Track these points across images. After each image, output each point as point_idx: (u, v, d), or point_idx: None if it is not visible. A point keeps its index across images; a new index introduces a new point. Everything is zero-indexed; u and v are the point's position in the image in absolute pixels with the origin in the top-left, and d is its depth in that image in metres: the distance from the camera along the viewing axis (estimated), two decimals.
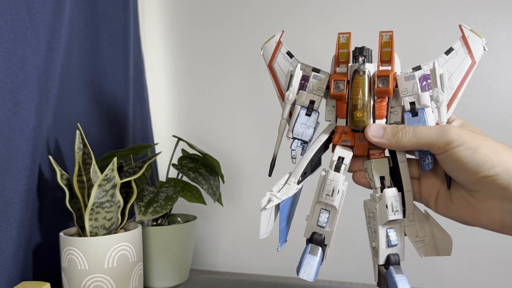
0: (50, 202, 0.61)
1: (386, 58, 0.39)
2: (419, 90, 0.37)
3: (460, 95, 0.39)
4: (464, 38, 0.39)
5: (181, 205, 0.86)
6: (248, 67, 0.86)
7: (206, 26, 0.89)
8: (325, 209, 0.38)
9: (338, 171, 0.38)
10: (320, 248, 0.38)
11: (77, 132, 0.59)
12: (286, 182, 0.39)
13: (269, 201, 0.36)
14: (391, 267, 0.37)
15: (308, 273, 0.37)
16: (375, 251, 0.39)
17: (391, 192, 0.38)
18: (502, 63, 0.71)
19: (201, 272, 0.84)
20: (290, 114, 0.42)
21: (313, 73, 0.42)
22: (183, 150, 0.77)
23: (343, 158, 0.39)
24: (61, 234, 0.58)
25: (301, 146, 0.41)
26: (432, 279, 0.74)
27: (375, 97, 0.39)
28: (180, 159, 0.75)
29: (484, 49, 0.39)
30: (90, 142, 0.61)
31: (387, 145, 0.37)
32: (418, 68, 0.39)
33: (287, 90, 0.42)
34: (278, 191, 0.38)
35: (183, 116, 0.92)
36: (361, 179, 0.41)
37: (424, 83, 0.39)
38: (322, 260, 0.39)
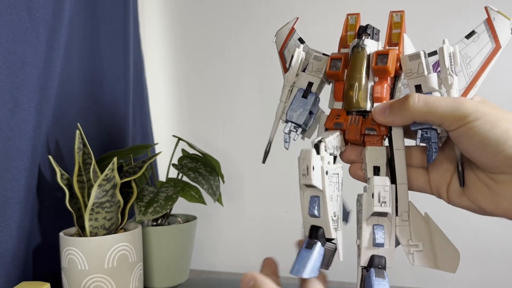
0: (50, 202, 0.61)
1: (395, 40, 0.36)
2: (425, 71, 0.33)
3: (480, 83, 0.34)
4: (489, 21, 0.34)
5: (181, 205, 0.86)
6: (248, 66, 0.86)
7: (206, 26, 0.89)
8: (314, 196, 0.33)
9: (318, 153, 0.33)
10: (318, 242, 0.33)
11: (77, 132, 0.59)
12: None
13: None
14: (371, 269, 0.32)
15: (298, 269, 0.32)
16: (359, 250, 0.34)
17: (380, 180, 0.33)
18: (502, 64, 0.71)
19: (201, 272, 0.83)
20: None
21: (315, 53, 0.39)
22: (183, 150, 0.77)
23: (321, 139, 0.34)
24: (61, 234, 0.58)
25: (295, 130, 0.38)
26: (430, 278, 0.74)
27: (375, 78, 0.35)
28: (180, 159, 0.75)
29: None
30: (90, 142, 0.61)
31: (397, 121, 0.33)
32: (433, 53, 0.35)
33: (287, 72, 0.39)
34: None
35: (183, 116, 0.92)
36: (357, 171, 0.36)
37: (439, 69, 0.34)
38: (329, 256, 0.34)
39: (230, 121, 0.88)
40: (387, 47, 0.36)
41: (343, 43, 0.38)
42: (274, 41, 0.43)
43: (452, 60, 0.33)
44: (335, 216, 0.34)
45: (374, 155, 0.35)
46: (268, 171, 0.84)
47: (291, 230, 0.84)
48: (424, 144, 0.34)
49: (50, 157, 0.57)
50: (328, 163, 0.34)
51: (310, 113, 0.38)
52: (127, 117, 0.80)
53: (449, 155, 0.35)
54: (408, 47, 0.36)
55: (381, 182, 0.33)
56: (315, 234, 0.34)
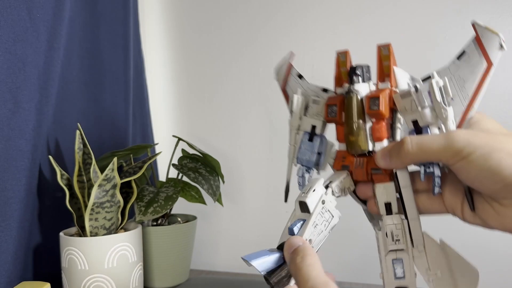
0: (50, 202, 0.61)
1: (387, 71, 0.36)
2: (418, 107, 0.34)
3: (477, 105, 0.34)
4: (477, 39, 0.34)
5: (181, 205, 0.86)
6: (248, 66, 0.86)
7: (206, 26, 0.89)
8: (301, 219, 0.35)
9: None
10: (281, 251, 0.34)
11: (77, 132, 0.59)
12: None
13: None
14: None
15: (249, 256, 0.33)
16: (383, 282, 0.37)
17: (391, 219, 0.35)
18: (502, 63, 0.71)
19: (201, 272, 0.84)
20: None
21: (313, 97, 0.40)
22: (183, 150, 0.77)
23: (330, 182, 0.37)
24: (61, 234, 0.58)
25: (307, 172, 0.40)
26: None
27: (372, 119, 0.36)
28: (180, 159, 0.75)
29: (502, 47, 0.33)
30: (90, 142, 0.61)
31: (399, 166, 0.34)
32: (428, 78, 0.35)
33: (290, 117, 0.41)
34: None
35: (183, 116, 0.92)
36: (373, 207, 0.37)
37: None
38: (284, 275, 0.33)
39: (230, 121, 0.88)
40: (379, 84, 0.37)
41: (338, 81, 0.39)
42: (276, 78, 0.44)
43: (444, 92, 0.33)
44: (309, 243, 0.34)
45: (383, 192, 0.36)
46: (268, 171, 0.84)
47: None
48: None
49: (50, 157, 0.57)
50: (330, 202, 0.35)
51: (319, 153, 0.40)
52: (127, 117, 0.80)
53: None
54: (401, 77, 0.36)
55: (392, 221, 0.35)
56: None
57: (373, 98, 0.35)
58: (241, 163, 0.87)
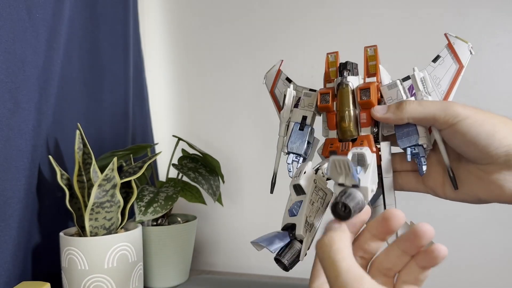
0: (50, 202, 0.61)
1: (372, 71, 0.41)
2: (403, 96, 0.38)
3: (451, 99, 0.39)
4: (450, 45, 0.40)
5: (181, 205, 0.86)
6: (248, 66, 0.86)
7: (206, 26, 0.89)
8: (298, 201, 0.38)
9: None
10: (287, 231, 0.37)
11: (77, 132, 0.59)
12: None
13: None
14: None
15: (266, 240, 0.36)
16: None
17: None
18: (502, 63, 0.71)
19: (201, 272, 0.83)
20: None
21: (304, 91, 0.44)
22: (183, 150, 0.77)
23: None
24: (61, 234, 0.58)
25: (297, 160, 0.42)
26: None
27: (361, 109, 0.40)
28: (180, 159, 0.75)
29: (471, 53, 0.39)
30: (90, 142, 0.61)
31: (393, 119, 0.37)
32: (407, 78, 0.40)
33: (281, 109, 0.44)
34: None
35: (183, 116, 0.92)
36: None
37: (414, 91, 0.39)
38: (292, 253, 0.36)
39: (230, 121, 0.88)
40: (366, 79, 0.41)
41: (327, 78, 0.43)
42: (264, 83, 0.48)
43: (424, 83, 0.38)
44: (309, 218, 0.37)
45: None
46: (268, 171, 0.84)
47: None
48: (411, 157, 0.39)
49: (50, 157, 0.57)
50: (321, 181, 0.39)
51: (308, 143, 0.43)
52: (127, 117, 0.80)
53: (438, 158, 0.39)
54: (385, 75, 0.41)
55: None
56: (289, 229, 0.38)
57: (364, 89, 0.39)
58: (241, 163, 0.87)
